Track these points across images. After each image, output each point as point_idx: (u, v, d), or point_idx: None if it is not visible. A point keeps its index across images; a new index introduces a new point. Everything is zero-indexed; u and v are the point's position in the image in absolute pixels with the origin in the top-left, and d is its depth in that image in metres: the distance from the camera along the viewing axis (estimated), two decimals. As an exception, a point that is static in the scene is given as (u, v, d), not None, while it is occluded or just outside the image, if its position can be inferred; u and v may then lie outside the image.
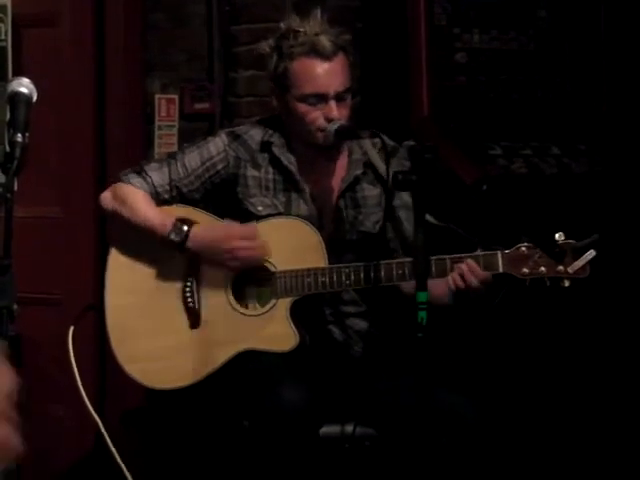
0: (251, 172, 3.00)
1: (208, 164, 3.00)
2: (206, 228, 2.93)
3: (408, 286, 2.81)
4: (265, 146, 3.01)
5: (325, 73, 2.89)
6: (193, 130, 4.06)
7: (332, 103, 2.88)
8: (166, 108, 4.09)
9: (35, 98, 2.39)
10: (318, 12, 2.94)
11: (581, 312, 3.47)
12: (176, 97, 4.09)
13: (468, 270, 2.74)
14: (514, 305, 2.92)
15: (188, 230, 2.90)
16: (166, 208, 2.98)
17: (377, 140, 2.92)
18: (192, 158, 3.00)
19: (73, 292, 3.99)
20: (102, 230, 4.00)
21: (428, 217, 2.67)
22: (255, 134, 3.03)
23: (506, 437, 3.31)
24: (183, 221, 2.91)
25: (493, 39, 3.84)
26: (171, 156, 3.04)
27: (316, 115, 2.90)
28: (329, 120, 2.88)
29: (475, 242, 2.79)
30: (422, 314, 2.44)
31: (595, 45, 3.86)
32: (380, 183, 3.00)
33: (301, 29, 2.91)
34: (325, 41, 2.88)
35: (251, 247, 2.89)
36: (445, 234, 2.84)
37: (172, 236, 2.90)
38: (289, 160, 2.99)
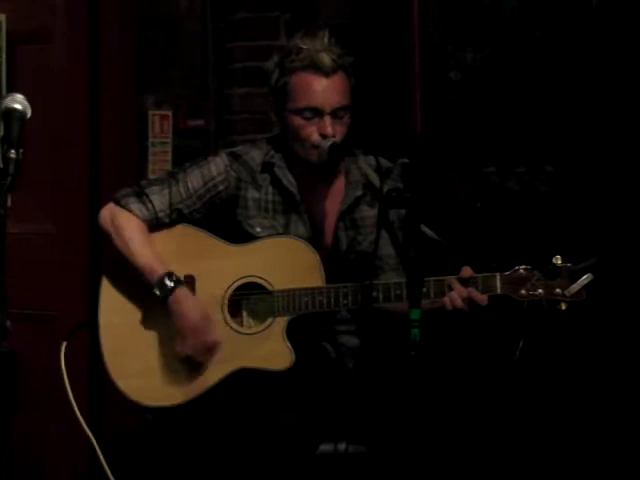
0: (251, 193, 3.00)
1: (210, 185, 2.99)
2: (187, 300, 2.87)
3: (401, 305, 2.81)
4: (266, 167, 3.01)
5: (322, 88, 2.89)
6: (187, 147, 4.06)
7: (327, 119, 2.88)
8: (160, 124, 4.09)
9: (29, 114, 2.39)
10: (326, 32, 2.95)
11: (579, 334, 3.47)
12: (170, 114, 4.09)
13: (467, 293, 2.74)
14: (512, 326, 2.93)
15: (172, 290, 2.85)
16: (167, 229, 2.97)
17: (372, 161, 2.92)
18: (194, 178, 2.99)
19: (66, 308, 3.98)
20: (95, 246, 4.01)
21: (425, 229, 2.68)
22: (256, 155, 3.03)
23: (501, 456, 3.31)
24: (170, 277, 2.86)
25: (487, 57, 3.86)
26: (172, 176, 3.02)
27: (311, 130, 2.90)
28: (323, 136, 2.88)
29: (467, 257, 2.80)
30: (415, 331, 2.43)
31: (588, 63, 3.88)
32: (378, 203, 2.99)
33: (304, 46, 2.92)
34: (325, 58, 2.89)
35: (198, 350, 2.85)
36: (439, 248, 2.85)
37: (155, 289, 2.86)
38: (290, 181, 2.99)
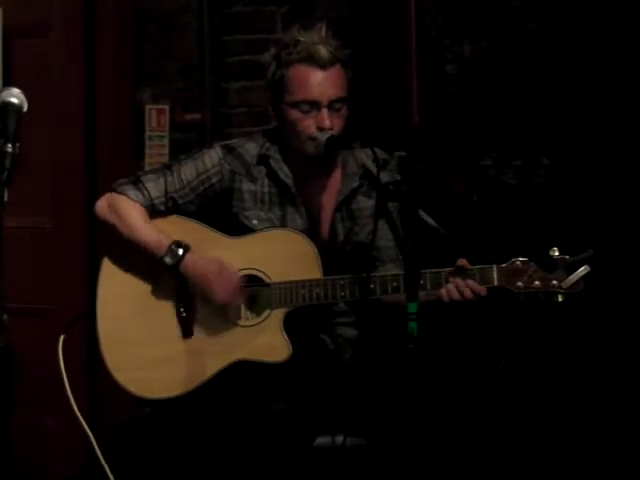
0: (247, 186, 3.00)
1: (203, 177, 3.00)
2: (199, 259, 2.90)
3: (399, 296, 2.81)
4: (262, 159, 3.01)
5: (319, 81, 2.89)
6: (184, 141, 4.06)
7: (324, 111, 2.88)
8: (157, 118, 4.09)
9: (25, 108, 2.39)
10: (322, 25, 2.95)
11: (575, 326, 3.48)
12: (167, 107, 4.09)
13: (465, 284, 2.74)
14: (508, 318, 2.93)
15: (182, 255, 2.89)
16: (164, 220, 2.98)
17: (370, 152, 2.92)
18: (187, 170, 3.00)
19: (63, 302, 3.99)
20: (92, 240, 4.01)
21: (423, 215, 2.67)
22: (251, 147, 3.03)
23: (499, 450, 3.32)
24: (178, 244, 2.90)
25: (483, 50, 3.86)
26: (167, 167, 3.04)
27: (308, 123, 2.90)
28: (321, 129, 2.88)
29: (464, 247, 2.80)
30: (412, 325, 2.44)
31: (585, 56, 3.88)
32: (376, 194, 3.00)
33: (301, 38, 2.92)
34: (322, 50, 2.89)
35: (231, 294, 2.89)
36: (437, 236, 2.85)
37: (166, 259, 2.89)
38: (286, 173, 2.99)
